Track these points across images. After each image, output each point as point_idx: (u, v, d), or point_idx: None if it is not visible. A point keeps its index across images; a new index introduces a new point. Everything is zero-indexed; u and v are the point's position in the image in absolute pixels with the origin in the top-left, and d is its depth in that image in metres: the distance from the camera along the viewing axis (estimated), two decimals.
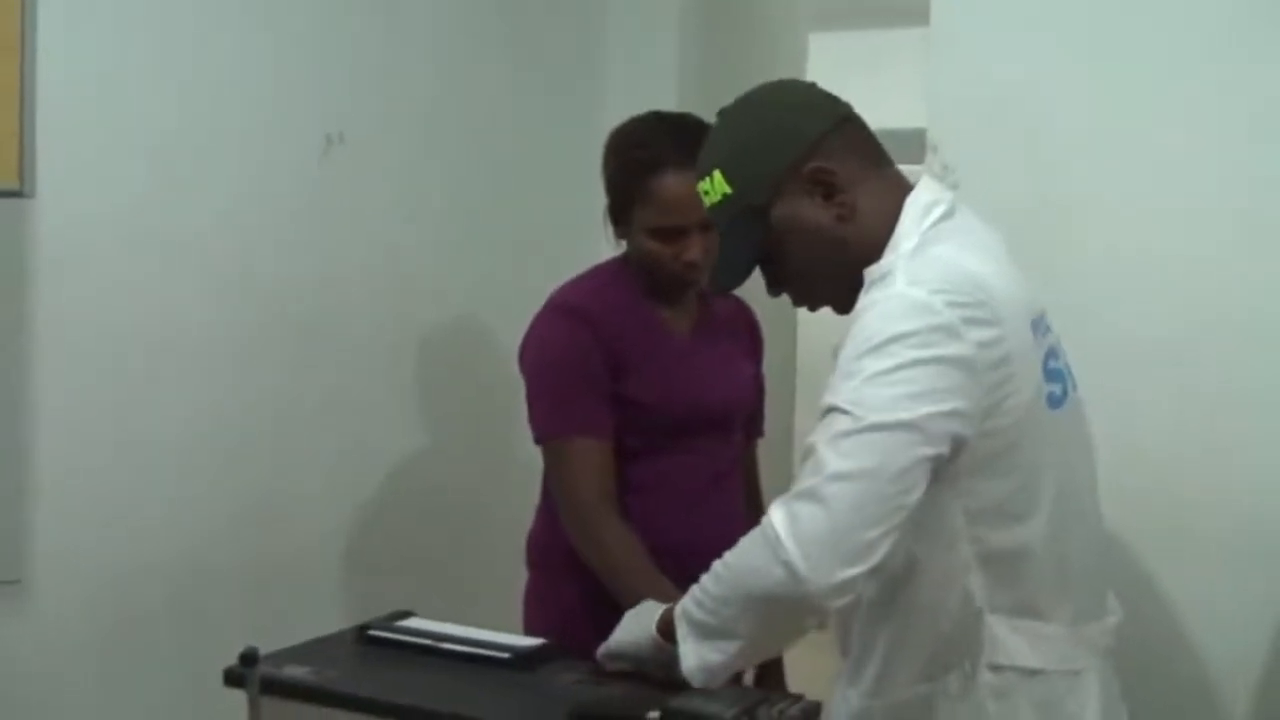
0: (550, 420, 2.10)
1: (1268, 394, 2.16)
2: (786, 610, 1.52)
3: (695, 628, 1.59)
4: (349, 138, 2.61)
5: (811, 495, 1.47)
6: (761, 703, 1.59)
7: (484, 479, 2.89)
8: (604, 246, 2.25)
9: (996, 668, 1.60)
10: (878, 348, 1.50)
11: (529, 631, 2.10)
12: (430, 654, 1.83)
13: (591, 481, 2.06)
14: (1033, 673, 1.61)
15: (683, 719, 1.52)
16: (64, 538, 2.17)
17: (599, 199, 2.16)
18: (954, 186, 2.30)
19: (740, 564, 1.55)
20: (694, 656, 1.59)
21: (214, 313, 2.40)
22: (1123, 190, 2.24)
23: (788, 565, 1.46)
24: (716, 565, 1.58)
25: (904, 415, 1.47)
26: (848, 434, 1.48)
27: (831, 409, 1.51)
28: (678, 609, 1.62)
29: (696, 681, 1.59)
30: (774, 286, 1.73)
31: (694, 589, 1.60)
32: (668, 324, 2.17)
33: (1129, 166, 2.24)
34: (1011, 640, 1.60)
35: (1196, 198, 2.20)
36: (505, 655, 1.81)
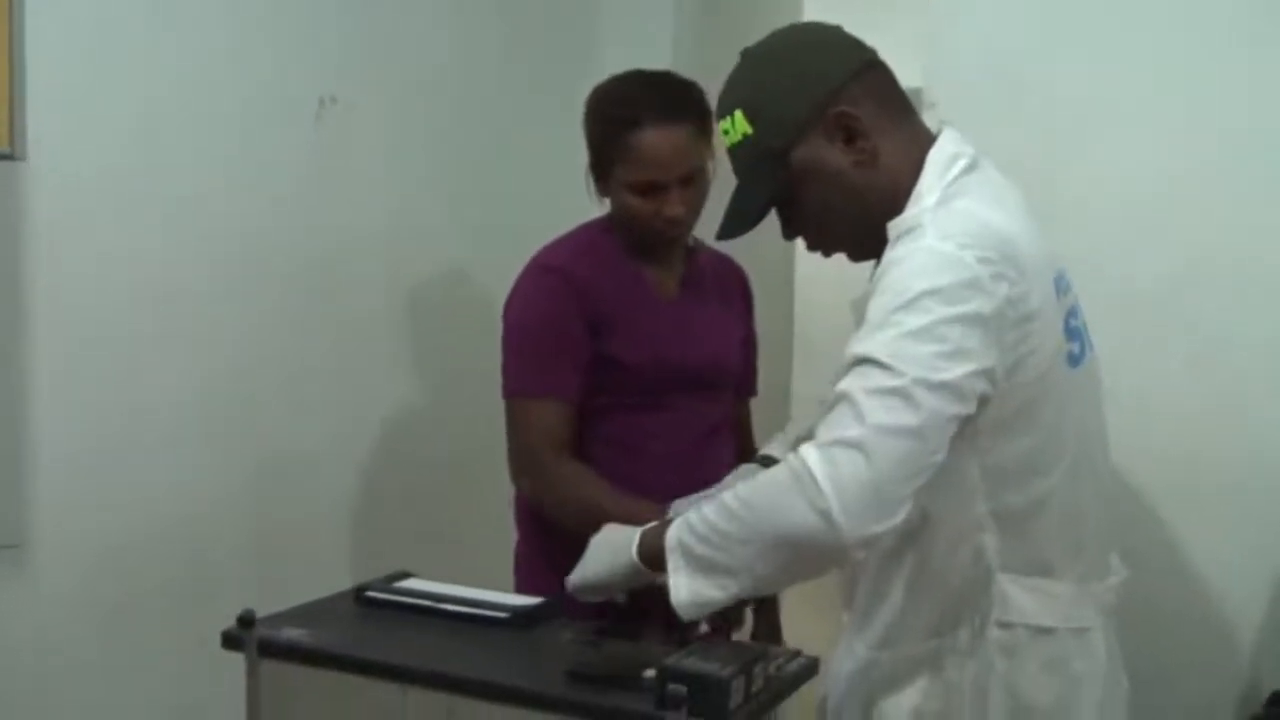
0: (519, 378, 2.11)
1: (1272, 348, 2.16)
2: (812, 557, 1.51)
3: (693, 561, 1.57)
4: (342, 100, 2.60)
5: (855, 444, 1.45)
6: (759, 659, 1.59)
7: (483, 439, 2.87)
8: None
9: (1006, 624, 1.61)
10: (911, 302, 1.49)
11: (520, 592, 2.10)
12: (428, 614, 1.84)
13: (549, 438, 2.06)
14: (1041, 630, 1.62)
15: (679, 677, 1.51)
16: (64, 502, 2.17)
17: None
18: None
19: (766, 504, 1.51)
20: (687, 590, 1.57)
21: (210, 276, 2.39)
22: (1120, 145, 2.23)
23: (825, 513, 1.44)
24: (730, 502, 1.55)
25: (944, 375, 1.46)
26: (891, 390, 1.46)
27: (866, 359, 1.49)
28: (670, 539, 1.59)
29: (686, 615, 1.58)
30: (789, 229, 1.72)
31: (692, 521, 1.58)
32: (653, 282, 2.16)
33: (1126, 123, 2.23)
34: (1021, 598, 1.61)
35: (1196, 153, 2.19)
36: (503, 615, 1.81)
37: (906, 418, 1.45)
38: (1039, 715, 1.63)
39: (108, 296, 2.23)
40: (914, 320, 1.48)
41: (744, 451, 2.28)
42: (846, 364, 1.51)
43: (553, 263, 2.14)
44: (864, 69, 1.65)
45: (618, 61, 2.23)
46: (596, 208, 2.18)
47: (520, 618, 1.81)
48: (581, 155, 2.12)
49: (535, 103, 3.05)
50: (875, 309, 1.52)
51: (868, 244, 1.65)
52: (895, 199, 1.61)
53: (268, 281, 2.50)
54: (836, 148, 1.62)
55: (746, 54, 1.70)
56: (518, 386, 2.12)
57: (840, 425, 1.47)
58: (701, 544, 1.56)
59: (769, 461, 1.86)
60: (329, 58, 2.60)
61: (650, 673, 1.55)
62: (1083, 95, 2.25)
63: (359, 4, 2.66)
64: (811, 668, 1.71)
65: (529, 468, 2.10)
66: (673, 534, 1.59)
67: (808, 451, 1.48)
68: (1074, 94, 2.26)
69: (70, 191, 2.16)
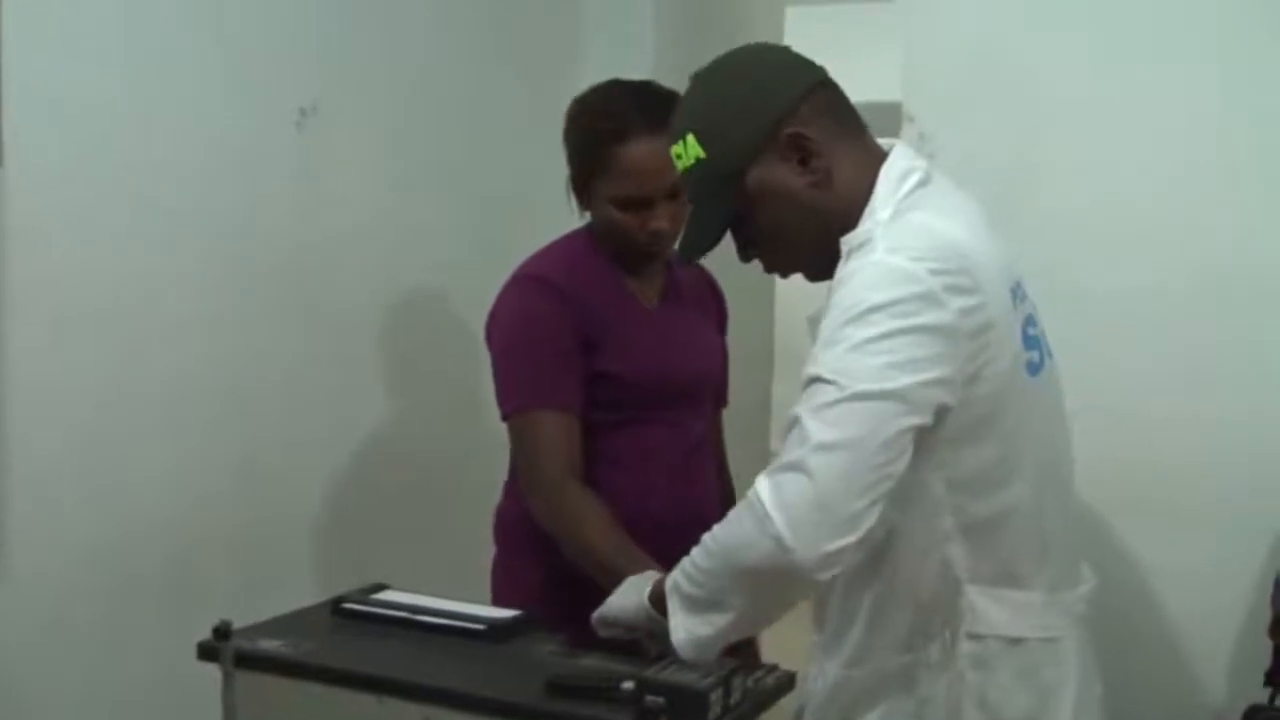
0: (518, 394, 2.05)
1: (1247, 359, 2.17)
2: (775, 582, 1.51)
3: (685, 601, 1.58)
4: (323, 109, 2.59)
5: (796, 466, 1.45)
6: (736, 673, 1.59)
7: (463, 450, 2.88)
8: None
9: (976, 637, 1.61)
10: (860, 316, 1.49)
11: (497, 604, 2.08)
12: (405, 626, 1.83)
13: (558, 456, 2.00)
14: (1012, 641, 1.61)
15: (657, 689, 1.51)
16: (42, 506, 2.16)
17: None
18: (930, 156, 2.31)
19: (728, 537, 1.53)
20: (683, 630, 1.58)
21: (191, 284, 2.38)
22: (1098, 155, 2.24)
23: (776, 538, 1.44)
24: (705, 538, 1.57)
25: (888, 385, 1.46)
26: (832, 404, 1.46)
27: (815, 379, 1.49)
28: (669, 582, 1.62)
29: (686, 655, 1.58)
30: (745, 252, 1.71)
31: (684, 562, 1.60)
32: (636, 294, 2.14)
33: (1103, 131, 2.24)
34: (991, 609, 1.61)
35: (1172, 159, 2.20)
36: (480, 627, 1.80)
37: (847, 430, 1.45)
38: None
39: (87, 302, 2.22)
40: (861, 333, 1.48)
41: (719, 463, 2.28)
42: (802, 385, 1.52)
43: (541, 274, 2.10)
44: (815, 88, 1.65)
45: (600, 67, 2.23)
46: (576, 218, 2.18)
47: (497, 630, 1.80)
48: (565, 161, 2.11)
49: (518, 109, 3.05)
50: (826, 326, 1.52)
51: (824, 263, 1.64)
52: (850, 217, 1.61)
53: (249, 288, 2.49)
54: (791, 168, 1.62)
55: (697, 77, 1.69)
56: (518, 403, 2.05)
57: (788, 449, 1.48)
58: (688, 582, 1.58)
59: None
60: (310, 67, 2.59)
61: (629, 684, 1.55)
62: (1064, 106, 2.27)
63: (340, 13, 2.66)
64: (788, 683, 1.71)
65: (538, 488, 2.03)
66: (671, 577, 1.61)
67: (760, 481, 1.49)
68: (1054, 105, 2.27)
69: (49, 197, 2.14)
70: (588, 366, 2.05)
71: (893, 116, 2.42)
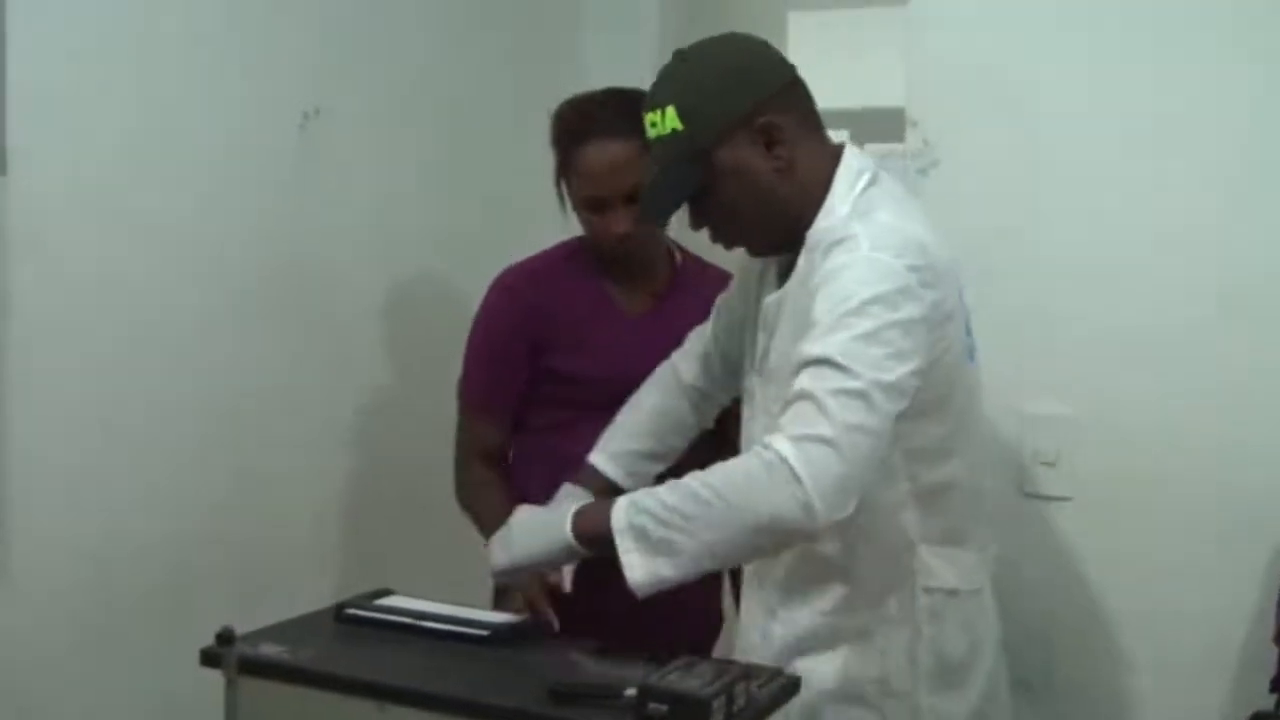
0: (463, 391, 2.27)
1: (1249, 371, 2.16)
2: (785, 540, 1.67)
3: (649, 543, 1.64)
4: (325, 111, 2.59)
5: (827, 441, 1.57)
6: (740, 678, 1.59)
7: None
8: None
9: (928, 590, 1.81)
10: (859, 308, 1.63)
11: (499, 609, 2.09)
12: (408, 632, 1.83)
13: (472, 445, 2.24)
14: (953, 592, 1.83)
15: (660, 696, 1.51)
16: (42, 518, 2.15)
17: None
18: (934, 161, 2.32)
19: (744, 494, 1.60)
20: (642, 570, 1.64)
21: (191, 291, 2.38)
22: (1101, 162, 2.24)
23: (805, 504, 1.56)
24: (697, 488, 1.62)
25: (891, 376, 1.62)
26: (853, 392, 1.59)
27: (824, 360, 1.61)
28: (618, 521, 1.65)
29: (642, 592, 1.65)
30: (697, 221, 1.83)
31: (646, 505, 1.64)
32: (615, 300, 2.19)
33: (1108, 140, 2.24)
34: (939, 566, 1.81)
35: (1178, 169, 2.20)
36: (483, 633, 1.81)
37: (868, 418, 1.59)
38: (958, 668, 1.83)
39: (88, 309, 2.21)
40: (863, 324, 1.62)
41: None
42: (801, 363, 1.64)
43: (505, 282, 2.25)
44: (790, 84, 1.80)
45: (601, 73, 2.24)
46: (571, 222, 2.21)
47: (501, 636, 1.80)
48: None
49: (520, 111, 3.04)
50: (823, 313, 1.65)
51: (770, 243, 1.84)
52: (804, 206, 1.77)
53: (251, 294, 2.49)
54: (758, 152, 1.76)
55: (682, 54, 1.81)
56: (462, 398, 2.28)
57: (808, 422, 1.59)
58: (661, 527, 1.63)
59: (600, 479, 2.01)
60: (313, 70, 2.59)
61: (631, 691, 1.55)
62: (1067, 109, 2.26)
63: (342, 16, 2.66)
64: (793, 688, 1.71)
65: (456, 471, 2.27)
66: (621, 517, 1.66)
67: (782, 445, 1.58)
68: (1059, 109, 2.27)
69: (51, 204, 2.14)
70: (537, 364, 2.18)
71: (896, 121, 2.42)
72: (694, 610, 2.20)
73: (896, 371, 1.62)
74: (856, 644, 1.82)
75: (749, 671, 1.65)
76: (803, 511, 1.56)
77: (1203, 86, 2.17)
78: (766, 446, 1.60)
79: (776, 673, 1.72)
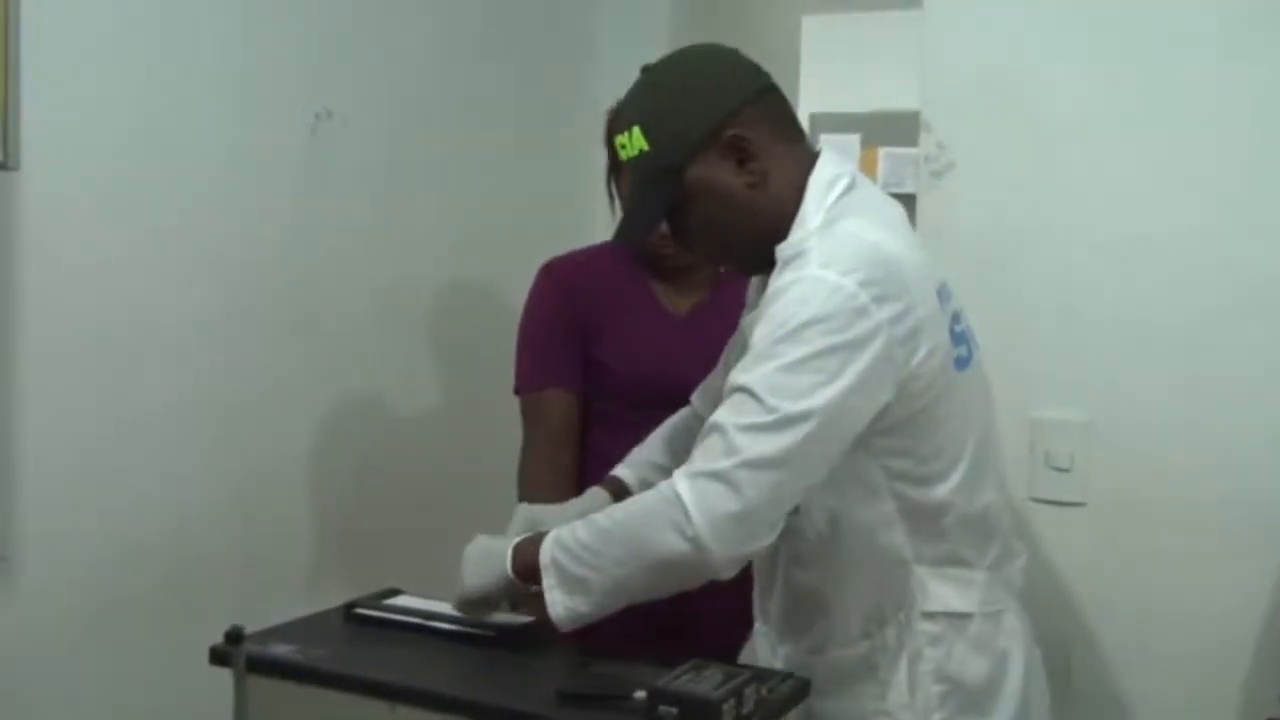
0: (520, 374, 2.24)
1: (1264, 374, 2.15)
2: (680, 574, 1.60)
3: (567, 579, 1.63)
4: (337, 114, 2.59)
5: (722, 477, 1.54)
6: (750, 682, 1.58)
7: (475, 456, 2.88)
8: (597, 218, 2.26)
9: (929, 615, 1.71)
10: (792, 333, 1.56)
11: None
12: (417, 632, 1.83)
13: (543, 425, 2.19)
14: (961, 616, 1.72)
15: (669, 699, 1.51)
16: (50, 514, 2.15)
17: (588, 175, 2.15)
18: (949, 164, 2.31)
19: (638, 526, 1.59)
20: (562, 606, 1.64)
21: (202, 290, 2.38)
22: (1116, 164, 2.23)
23: (694, 540, 1.53)
24: (604, 523, 1.62)
25: (814, 404, 1.55)
26: (762, 426, 1.54)
27: (743, 390, 1.57)
28: (545, 556, 1.65)
29: (563, 627, 1.65)
30: (678, 240, 1.79)
31: (564, 539, 1.64)
32: (658, 299, 2.19)
33: (1122, 142, 2.23)
34: (940, 587, 1.72)
35: (1193, 170, 2.19)
36: (492, 634, 1.80)
37: (774, 450, 1.54)
38: (973, 692, 1.72)
39: (98, 307, 2.22)
40: (794, 351, 1.56)
41: None
42: (727, 391, 1.60)
43: (552, 268, 2.26)
44: (760, 93, 1.72)
45: (614, 79, 2.23)
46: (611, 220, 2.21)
47: (509, 637, 1.80)
48: (576, 166, 2.13)
49: (533, 114, 3.05)
50: (759, 338, 1.60)
51: (752, 260, 1.76)
52: (781, 220, 1.69)
53: (261, 294, 2.49)
54: (729, 168, 1.69)
55: (647, 71, 1.77)
56: (520, 390, 2.24)
57: (709, 457, 1.56)
58: (575, 563, 1.63)
59: (617, 484, 1.97)
60: (324, 72, 2.60)
61: (640, 694, 1.54)
62: (1082, 113, 2.25)
63: (354, 17, 2.66)
64: (802, 691, 1.70)
65: (522, 450, 2.22)
66: (546, 551, 1.66)
67: (679, 480, 1.56)
68: (1073, 112, 2.26)
69: (63, 202, 2.15)
70: (586, 352, 2.18)
71: (910, 125, 2.41)
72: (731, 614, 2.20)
73: (827, 398, 1.54)
74: (862, 677, 1.74)
75: (759, 674, 1.64)
76: (692, 548, 1.53)
77: (1220, 89, 2.16)
78: (670, 482, 1.58)
79: (786, 676, 1.71)
